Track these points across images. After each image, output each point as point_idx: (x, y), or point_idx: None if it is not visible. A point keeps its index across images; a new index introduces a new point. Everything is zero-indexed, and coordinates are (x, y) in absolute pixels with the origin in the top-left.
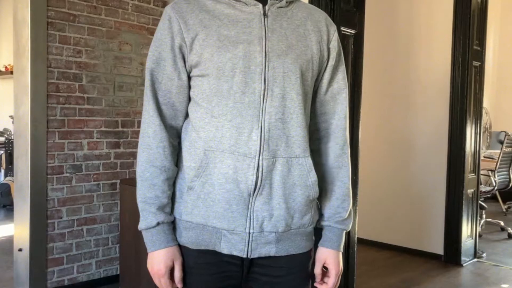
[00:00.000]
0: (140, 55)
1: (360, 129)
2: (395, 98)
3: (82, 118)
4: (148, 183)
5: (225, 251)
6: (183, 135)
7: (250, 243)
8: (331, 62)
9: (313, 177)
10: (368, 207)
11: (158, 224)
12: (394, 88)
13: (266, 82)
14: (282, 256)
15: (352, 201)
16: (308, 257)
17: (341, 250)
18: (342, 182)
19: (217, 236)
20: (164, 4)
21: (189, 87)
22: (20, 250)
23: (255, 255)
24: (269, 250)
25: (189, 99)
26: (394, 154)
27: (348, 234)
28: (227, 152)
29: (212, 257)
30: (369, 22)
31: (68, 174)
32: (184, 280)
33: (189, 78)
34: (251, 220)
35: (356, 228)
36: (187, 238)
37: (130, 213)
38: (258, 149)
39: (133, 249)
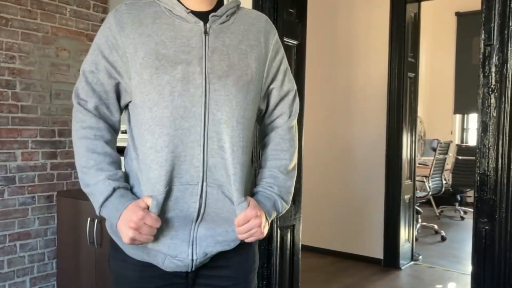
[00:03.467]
0: (79, 61)
1: (303, 138)
2: (336, 107)
3: (15, 127)
4: (94, 168)
5: (168, 269)
6: (131, 156)
7: (194, 266)
8: (273, 69)
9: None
10: (311, 214)
11: (114, 190)
12: (335, 97)
13: (207, 105)
14: (226, 266)
15: (296, 209)
16: (251, 265)
17: (268, 216)
18: (282, 160)
19: (161, 257)
20: (104, 10)
21: (127, 110)
22: None
23: (199, 266)
24: (207, 258)
25: (120, 105)
26: (335, 162)
27: (293, 241)
28: (169, 182)
29: (155, 269)
30: (310, 33)
31: (0, 187)
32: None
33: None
34: (194, 246)
35: (300, 235)
36: (133, 249)
37: (68, 226)
38: (201, 176)
39: (71, 263)
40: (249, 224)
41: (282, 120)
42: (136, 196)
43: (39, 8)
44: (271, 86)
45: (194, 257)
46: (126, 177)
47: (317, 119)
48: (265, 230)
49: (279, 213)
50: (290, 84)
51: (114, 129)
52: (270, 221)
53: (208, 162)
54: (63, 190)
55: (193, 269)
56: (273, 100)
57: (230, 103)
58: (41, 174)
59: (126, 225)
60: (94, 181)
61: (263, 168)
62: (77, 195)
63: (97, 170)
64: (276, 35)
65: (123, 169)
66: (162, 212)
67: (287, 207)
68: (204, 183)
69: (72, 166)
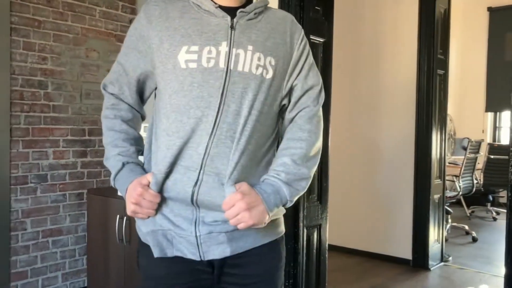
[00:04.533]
0: (108, 62)
1: (329, 137)
2: (364, 106)
3: (47, 127)
4: (110, 145)
5: (179, 254)
6: (151, 140)
7: (200, 246)
8: (298, 66)
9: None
10: (338, 213)
11: (123, 165)
12: (362, 96)
13: (224, 96)
14: (251, 263)
15: (322, 208)
16: (277, 263)
17: (267, 206)
18: (297, 148)
19: (169, 238)
20: (132, 11)
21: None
22: None
23: (209, 257)
24: (224, 251)
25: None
26: (362, 161)
27: (319, 240)
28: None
29: (183, 266)
30: (337, 31)
31: (32, 185)
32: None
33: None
34: (197, 223)
35: (327, 235)
36: (155, 251)
37: (98, 224)
38: (201, 163)
39: (101, 260)
40: (234, 208)
41: (304, 113)
42: (145, 172)
43: (70, 10)
44: (295, 82)
45: (197, 233)
46: (148, 155)
47: (344, 117)
48: (262, 217)
49: (288, 201)
50: (315, 78)
51: (136, 111)
52: (271, 209)
53: (210, 151)
54: (93, 188)
55: (202, 256)
56: (296, 93)
57: (248, 96)
58: (72, 172)
59: (128, 199)
60: (109, 155)
61: (275, 158)
62: (107, 193)
63: (113, 146)
64: (302, 33)
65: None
66: (165, 191)
67: (300, 193)
68: (201, 171)
69: (102, 164)
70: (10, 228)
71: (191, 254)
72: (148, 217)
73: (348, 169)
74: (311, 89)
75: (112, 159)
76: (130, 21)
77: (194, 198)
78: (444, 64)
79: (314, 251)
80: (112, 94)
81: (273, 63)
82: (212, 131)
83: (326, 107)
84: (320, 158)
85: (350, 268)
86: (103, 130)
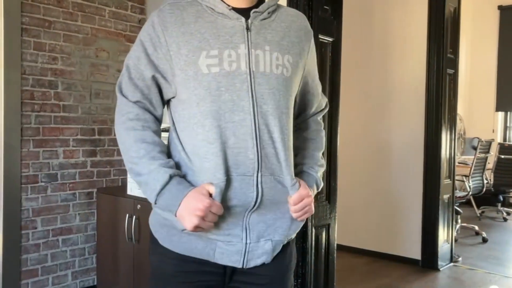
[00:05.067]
0: (117, 62)
1: (338, 137)
2: (373, 106)
3: (57, 126)
4: (146, 158)
5: (219, 261)
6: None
7: (246, 254)
8: (309, 66)
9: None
10: (346, 213)
11: (171, 177)
12: (371, 95)
13: (254, 98)
14: (262, 264)
15: (331, 208)
16: (288, 264)
17: (313, 191)
18: (317, 147)
19: (212, 247)
20: (142, 11)
21: (168, 105)
22: None
23: (251, 265)
24: (265, 259)
25: (163, 102)
26: (371, 160)
27: (328, 240)
28: (223, 172)
29: (193, 265)
30: (346, 30)
31: (43, 183)
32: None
33: (171, 97)
34: (248, 231)
35: (336, 234)
36: (181, 244)
37: (107, 223)
38: (256, 166)
39: (110, 259)
40: (303, 202)
41: (314, 110)
42: (191, 184)
43: (80, 10)
44: (307, 78)
45: (248, 241)
46: (176, 166)
47: (353, 117)
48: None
49: (318, 190)
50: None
51: (158, 121)
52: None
53: (261, 153)
54: (103, 187)
55: (245, 263)
56: (305, 88)
57: (274, 96)
58: (81, 171)
59: (191, 212)
60: (147, 170)
61: (303, 150)
62: (116, 192)
63: (149, 159)
64: (313, 39)
65: None
66: (222, 201)
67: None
68: (259, 174)
69: (111, 163)
70: (21, 227)
71: (232, 262)
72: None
73: (357, 169)
74: (316, 90)
75: (155, 172)
76: (140, 21)
77: (258, 201)
78: (454, 63)
79: (323, 250)
80: (134, 103)
81: (290, 60)
82: (255, 134)
83: (335, 107)
84: (329, 158)
85: (358, 268)
86: (129, 142)
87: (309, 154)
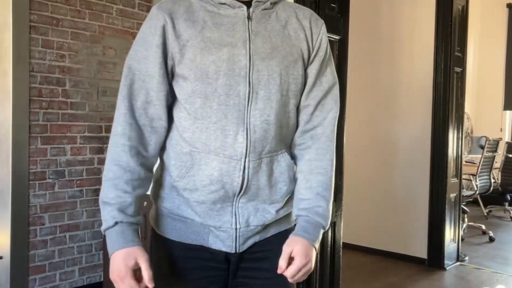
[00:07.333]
0: (124, 59)
1: (344, 135)
2: (380, 104)
3: (65, 123)
4: (110, 183)
5: (213, 246)
6: (169, 134)
7: (237, 239)
8: (320, 54)
9: (292, 170)
10: (353, 212)
11: (116, 223)
12: (378, 93)
13: (251, 85)
14: (266, 258)
15: (337, 206)
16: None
17: (315, 245)
18: (324, 172)
19: (205, 232)
20: (148, 9)
21: (171, 87)
22: (0, 258)
23: (243, 248)
24: (255, 239)
25: (168, 101)
26: (378, 159)
27: (333, 239)
28: (212, 154)
29: (197, 261)
30: (353, 28)
31: (50, 180)
32: (167, 275)
33: (172, 77)
34: (237, 216)
35: (342, 233)
36: (176, 231)
37: None
38: (244, 151)
39: None
40: (302, 271)
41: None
42: (138, 235)
43: (87, 8)
44: (313, 71)
45: (237, 226)
46: (167, 155)
47: (360, 115)
48: (313, 256)
49: (326, 225)
50: (331, 76)
51: (155, 133)
52: (317, 241)
53: (251, 138)
54: None
55: (237, 249)
56: (310, 82)
57: (274, 81)
58: (88, 168)
59: (113, 268)
60: (106, 197)
61: (307, 181)
62: None
63: (111, 186)
64: (324, 27)
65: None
66: (208, 184)
67: (330, 218)
68: (247, 159)
69: None
70: (29, 223)
71: (226, 247)
72: None
73: (363, 167)
74: (326, 83)
75: (107, 209)
76: None
77: (244, 186)
78: (462, 62)
79: (329, 249)
80: (124, 115)
81: (289, 49)
82: (247, 120)
83: (342, 105)
84: (335, 156)
85: (364, 266)
86: (107, 158)
87: (313, 191)
